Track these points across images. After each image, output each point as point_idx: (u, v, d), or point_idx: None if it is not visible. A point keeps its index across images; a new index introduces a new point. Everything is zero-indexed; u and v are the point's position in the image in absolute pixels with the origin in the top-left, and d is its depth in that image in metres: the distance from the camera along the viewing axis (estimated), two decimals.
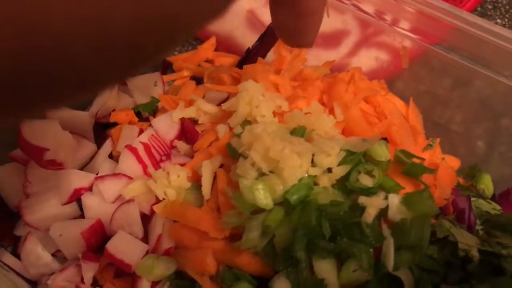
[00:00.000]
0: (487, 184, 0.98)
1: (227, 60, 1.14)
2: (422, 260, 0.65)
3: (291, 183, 0.66)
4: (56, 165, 0.85)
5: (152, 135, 0.87)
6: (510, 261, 0.64)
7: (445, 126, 1.12)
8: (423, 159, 0.73)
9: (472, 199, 0.86)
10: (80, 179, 0.84)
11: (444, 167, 0.88)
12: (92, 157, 0.94)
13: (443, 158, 0.97)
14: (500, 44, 0.89)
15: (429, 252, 0.67)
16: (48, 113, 0.91)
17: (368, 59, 1.14)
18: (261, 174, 0.69)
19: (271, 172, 0.68)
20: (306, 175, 0.68)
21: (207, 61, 1.16)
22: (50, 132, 0.85)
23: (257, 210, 0.68)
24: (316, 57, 1.11)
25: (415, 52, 1.05)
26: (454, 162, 1.00)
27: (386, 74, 1.12)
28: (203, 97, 0.95)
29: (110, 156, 0.92)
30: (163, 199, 0.78)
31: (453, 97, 1.12)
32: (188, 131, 0.89)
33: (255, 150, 0.67)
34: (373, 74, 1.08)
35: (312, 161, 0.69)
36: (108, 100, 0.97)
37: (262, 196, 0.66)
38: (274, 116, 0.80)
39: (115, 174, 0.84)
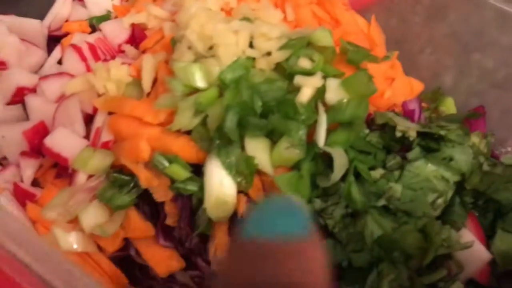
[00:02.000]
0: (449, 106, 0.96)
1: None
2: (359, 143, 0.63)
3: (227, 63, 0.64)
4: None
5: (99, 37, 0.85)
6: (449, 144, 0.62)
7: (415, 56, 1.10)
8: (369, 50, 0.71)
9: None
10: (23, 78, 0.82)
11: (402, 80, 0.86)
12: (42, 66, 0.91)
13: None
14: None
15: (368, 138, 0.65)
16: None
17: None
18: (199, 58, 0.67)
19: (208, 55, 0.66)
20: (244, 57, 0.65)
21: None
22: None
23: (192, 93, 0.66)
24: None
25: None
26: (417, 84, 0.97)
27: (357, 4, 1.09)
28: None
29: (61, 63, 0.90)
30: (104, 93, 0.75)
31: (425, 31, 1.10)
32: (138, 36, 0.86)
33: (191, 29, 0.65)
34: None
35: (252, 46, 0.67)
36: (61, 10, 0.95)
37: (196, 76, 0.64)
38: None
39: (58, 73, 0.81)
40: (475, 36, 1.06)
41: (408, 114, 0.73)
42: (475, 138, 0.65)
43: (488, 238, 0.64)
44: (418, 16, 1.10)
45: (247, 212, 0.36)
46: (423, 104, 0.97)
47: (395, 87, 0.83)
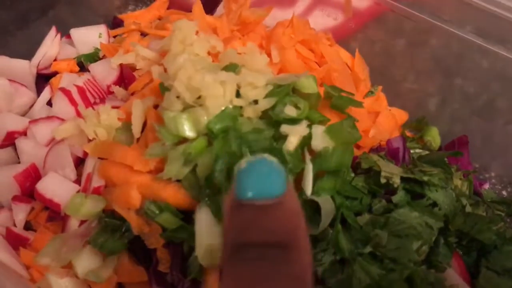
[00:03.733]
0: (433, 136, 0.98)
1: (179, 17, 1.12)
2: (345, 188, 0.65)
3: (214, 113, 0.65)
4: None
5: (89, 79, 0.86)
6: (432, 189, 0.64)
7: (398, 84, 1.12)
8: (352, 94, 0.73)
9: (418, 150, 0.86)
10: (14, 122, 0.83)
11: (386, 114, 0.88)
12: (32, 107, 0.92)
13: (389, 110, 0.96)
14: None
15: (354, 183, 0.66)
16: None
17: (323, 18, 1.14)
18: (187, 107, 0.68)
19: (196, 104, 0.67)
20: (231, 106, 0.67)
21: (160, 19, 1.14)
22: None
23: (182, 142, 0.67)
24: (272, 16, 1.10)
25: (372, 11, 1.04)
26: (401, 115, 1.00)
27: (341, 34, 1.11)
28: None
29: (51, 105, 0.91)
30: (94, 138, 0.76)
31: (407, 57, 1.12)
32: (126, 77, 0.87)
33: (179, 80, 0.66)
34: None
35: (239, 94, 0.68)
36: (50, 49, 0.96)
37: (186, 126, 0.66)
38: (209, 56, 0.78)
39: (48, 117, 0.82)
40: (456, 60, 1.09)
41: (392, 152, 0.75)
42: (457, 181, 0.67)
43: (472, 277, 0.66)
44: (399, 43, 1.12)
45: (237, 175, 0.42)
46: (408, 134, 1.00)
47: (380, 123, 0.85)
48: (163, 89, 0.74)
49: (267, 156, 0.43)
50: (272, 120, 0.67)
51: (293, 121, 0.67)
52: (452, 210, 0.64)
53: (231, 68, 0.73)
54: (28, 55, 0.98)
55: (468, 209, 0.66)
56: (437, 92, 1.12)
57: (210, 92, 0.65)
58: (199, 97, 0.67)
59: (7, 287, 0.59)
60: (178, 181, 0.68)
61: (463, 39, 1.03)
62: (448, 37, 1.04)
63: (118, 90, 0.85)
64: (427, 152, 0.87)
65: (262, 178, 0.41)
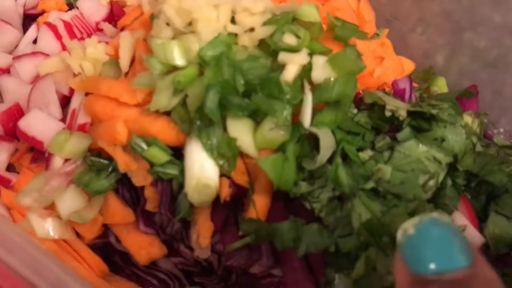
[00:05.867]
0: (440, 86, 0.93)
1: None
2: (346, 123, 0.60)
3: (207, 39, 0.60)
4: None
5: (76, 15, 0.81)
6: (441, 124, 0.59)
7: (406, 34, 1.07)
8: (356, 25, 0.67)
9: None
10: None
11: (392, 58, 0.83)
12: (17, 46, 0.87)
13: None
14: None
15: (356, 118, 0.62)
16: None
17: None
18: (178, 35, 0.63)
19: (187, 31, 0.62)
20: (225, 33, 0.62)
21: None
22: None
23: (171, 71, 0.62)
24: None
25: None
26: (408, 64, 0.94)
27: None
28: None
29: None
30: (80, 73, 0.71)
31: (415, 9, 1.07)
32: (116, 14, 0.82)
33: (168, 3, 0.61)
34: None
35: (234, 21, 0.63)
36: None
37: (175, 54, 0.61)
38: None
39: (32, 53, 0.77)
40: (466, 14, 1.03)
41: (398, 94, 0.70)
42: (467, 118, 0.62)
43: (480, 221, 0.62)
44: None
45: (406, 242, 0.34)
46: (414, 84, 0.94)
47: (385, 66, 0.80)
48: (153, 18, 0.69)
49: (436, 215, 0.35)
50: (270, 49, 0.62)
51: (293, 50, 0.62)
52: (462, 148, 0.60)
53: None
54: None
55: (479, 148, 0.61)
56: (446, 44, 1.06)
57: (202, 15, 0.60)
58: (190, 23, 0.62)
59: None
60: (167, 115, 0.63)
61: None
62: None
63: (107, 27, 0.80)
64: None
65: (442, 246, 0.33)
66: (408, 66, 0.95)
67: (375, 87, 0.74)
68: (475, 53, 1.05)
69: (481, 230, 0.61)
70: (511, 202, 0.62)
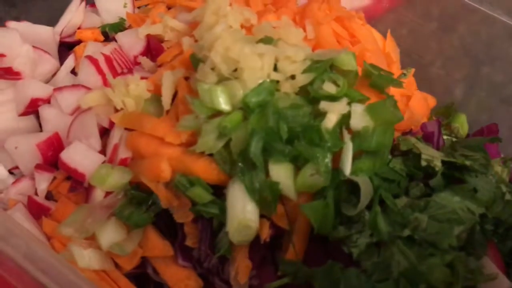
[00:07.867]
0: (462, 123, 0.96)
1: None
2: (383, 170, 0.63)
3: (251, 86, 0.63)
4: (13, 74, 0.81)
5: (115, 49, 0.84)
6: (473, 174, 0.62)
7: (426, 68, 1.10)
8: (391, 73, 0.70)
9: (445, 137, 0.84)
10: (38, 89, 0.81)
11: (418, 97, 0.86)
12: (55, 75, 0.90)
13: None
14: None
15: (392, 165, 0.65)
16: (9, 23, 0.87)
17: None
18: (223, 80, 0.66)
19: (232, 77, 0.65)
20: (268, 80, 0.65)
21: None
22: (7, 39, 0.81)
23: (215, 115, 0.65)
24: None
25: None
26: (430, 100, 0.97)
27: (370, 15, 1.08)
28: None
29: (74, 74, 0.89)
30: (121, 109, 0.74)
31: (434, 42, 1.10)
32: (154, 48, 0.85)
33: (215, 51, 0.64)
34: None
35: (276, 69, 0.66)
36: (74, 17, 0.93)
37: (221, 99, 0.64)
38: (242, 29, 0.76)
39: (73, 85, 0.80)
40: (484, 49, 1.07)
41: (427, 136, 0.73)
42: (497, 167, 0.65)
43: (507, 266, 0.65)
44: (427, 27, 1.10)
45: None
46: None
47: (413, 106, 0.83)
48: (195, 60, 0.72)
49: None
50: (310, 96, 0.65)
51: (332, 98, 0.65)
52: (492, 197, 0.62)
53: (267, 41, 0.71)
54: (50, 21, 0.96)
55: (508, 196, 0.64)
56: (464, 79, 1.09)
57: (248, 64, 0.63)
58: (235, 70, 0.65)
59: (39, 254, 0.58)
60: (209, 155, 0.66)
61: (492, 24, 1.01)
62: (478, 22, 1.02)
63: (145, 61, 0.83)
64: (455, 139, 0.85)
65: None
66: (430, 101, 0.98)
67: (403, 129, 0.77)
68: (492, 87, 1.08)
69: (508, 274, 0.64)
70: None
